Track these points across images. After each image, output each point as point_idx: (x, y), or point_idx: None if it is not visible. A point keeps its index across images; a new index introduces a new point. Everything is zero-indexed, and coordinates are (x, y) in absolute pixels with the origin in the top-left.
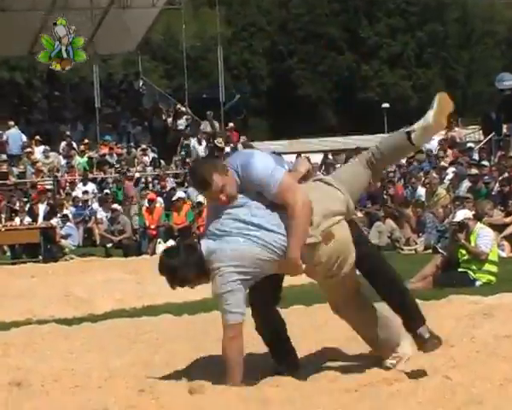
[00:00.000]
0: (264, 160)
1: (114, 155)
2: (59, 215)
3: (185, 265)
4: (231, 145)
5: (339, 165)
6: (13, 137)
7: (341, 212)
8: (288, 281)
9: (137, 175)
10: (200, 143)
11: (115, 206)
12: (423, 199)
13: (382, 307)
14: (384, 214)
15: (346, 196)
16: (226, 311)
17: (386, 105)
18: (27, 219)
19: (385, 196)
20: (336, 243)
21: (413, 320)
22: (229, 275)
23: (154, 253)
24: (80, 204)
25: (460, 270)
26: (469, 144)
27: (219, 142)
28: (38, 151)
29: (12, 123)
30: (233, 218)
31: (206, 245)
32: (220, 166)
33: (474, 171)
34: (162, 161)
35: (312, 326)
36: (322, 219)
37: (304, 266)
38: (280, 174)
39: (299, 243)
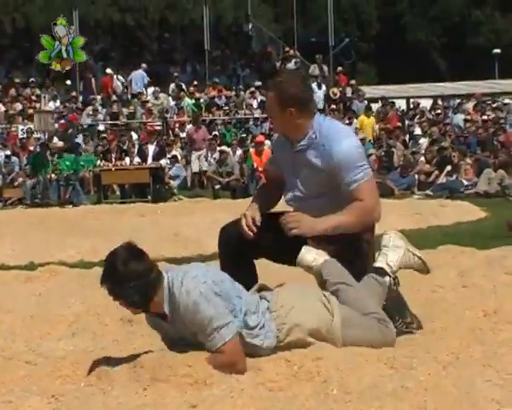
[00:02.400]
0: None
1: (223, 97)
2: (168, 156)
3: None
4: (340, 89)
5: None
6: (135, 78)
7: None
8: None
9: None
10: (319, 88)
11: (223, 148)
12: None
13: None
14: (494, 161)
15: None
16: None
17: (497, 51)
18: (137, 160)
19: (495, 143)
20: None
21: None
22: None
23: None
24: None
25: None
26: None
27: (334, 93)
28: (148, 92)
29: (144, 65)
30: None
31: None
32: None
33: None
34: None
35: None
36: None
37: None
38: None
39: (334, 225)
